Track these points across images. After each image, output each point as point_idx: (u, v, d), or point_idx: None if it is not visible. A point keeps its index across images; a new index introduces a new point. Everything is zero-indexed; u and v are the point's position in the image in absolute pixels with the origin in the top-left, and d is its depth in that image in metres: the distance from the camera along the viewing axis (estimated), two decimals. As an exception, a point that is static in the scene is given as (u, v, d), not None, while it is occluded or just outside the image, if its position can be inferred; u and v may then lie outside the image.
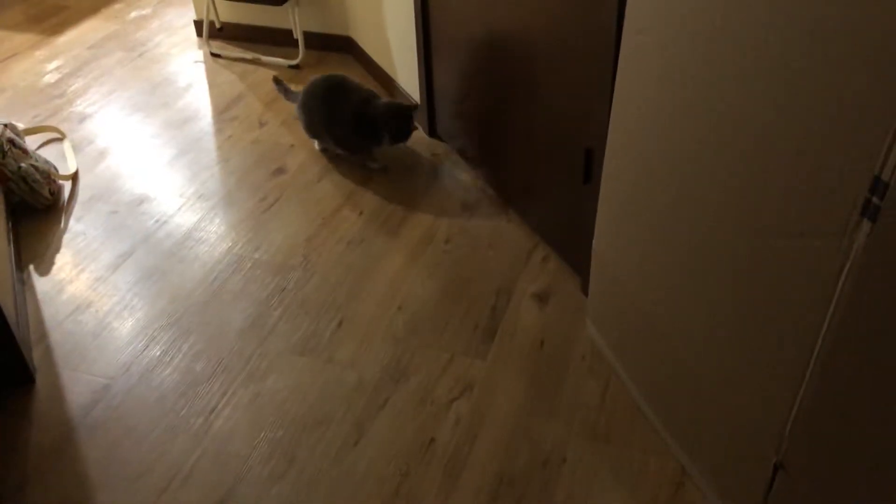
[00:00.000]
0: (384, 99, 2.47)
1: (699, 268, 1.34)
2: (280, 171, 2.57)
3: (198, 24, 3.59)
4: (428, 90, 2.65)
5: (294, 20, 3.29)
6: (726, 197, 1.22)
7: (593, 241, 1.76)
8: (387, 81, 3.00)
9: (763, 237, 1.15)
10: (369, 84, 3.08)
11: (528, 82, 2.01)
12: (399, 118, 2.43)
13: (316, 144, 2.66)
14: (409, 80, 2.79)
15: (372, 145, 2.50)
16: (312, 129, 2.58)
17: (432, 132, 2.72)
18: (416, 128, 2.53)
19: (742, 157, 1.17)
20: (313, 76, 2.57)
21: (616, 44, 1.52)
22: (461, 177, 2.51)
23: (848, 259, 1.00)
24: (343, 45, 3.36)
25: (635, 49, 1.41)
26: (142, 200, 2.46)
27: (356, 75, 3.16)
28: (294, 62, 3.26)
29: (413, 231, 2.27)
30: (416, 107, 2.51)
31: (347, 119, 2.44)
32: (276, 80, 2.82)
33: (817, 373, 1.11)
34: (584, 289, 1.97)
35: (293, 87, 2.80)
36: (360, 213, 2.35)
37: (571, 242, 2.03)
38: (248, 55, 3.37)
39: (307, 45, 3.33)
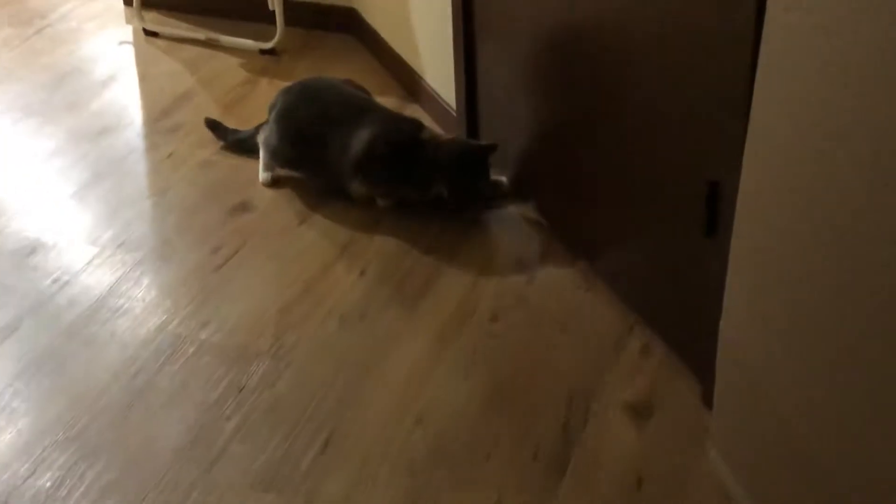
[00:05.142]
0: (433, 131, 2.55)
1: (883, 375, 1.32)
2: (243, 207, 2.61)
3: (127, -12, 3.69)
4: (468, 91, 2.68)
5: (270, -17, 3.36)
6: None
7: (720, 324, 1.76)
8: (406, 75, 3.04)
9: None
10: (379, 79, 3.13)
11: (620, 86, 2.03)
12: (468, 166, 2.48)
13: (266, 175, 2.68)
14: (440, 75, 2.82)
15: (413, 192, 2.55)
16: (303, 157, 2.62)
17: (474, 152, 2.75)
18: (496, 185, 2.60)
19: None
20: (295, 82, 2.63)
21: (756, 28, 1.53)
22: (516, 219, 2.53)
23: None
24: (342, 22, 3.42)
25: (785, 35, 1.42)
26: (33, 249, 2.50)
27: (361, 64, 3.21)
28: (268, 45, 3.32)
29: (441, 302, 2.28)
30: (493, 148, 2.51)
31: (382, 147, 2.48)
32: (210, 123, 2.86)
33: None
34: (707, 398, 1.95)
35: (272, 82, 2.83)
36: (362, 272, 2.37)
37: (686, 325, 2.02)
38: (201, 34, 3.44)
39: (289, 21, 3.37)
